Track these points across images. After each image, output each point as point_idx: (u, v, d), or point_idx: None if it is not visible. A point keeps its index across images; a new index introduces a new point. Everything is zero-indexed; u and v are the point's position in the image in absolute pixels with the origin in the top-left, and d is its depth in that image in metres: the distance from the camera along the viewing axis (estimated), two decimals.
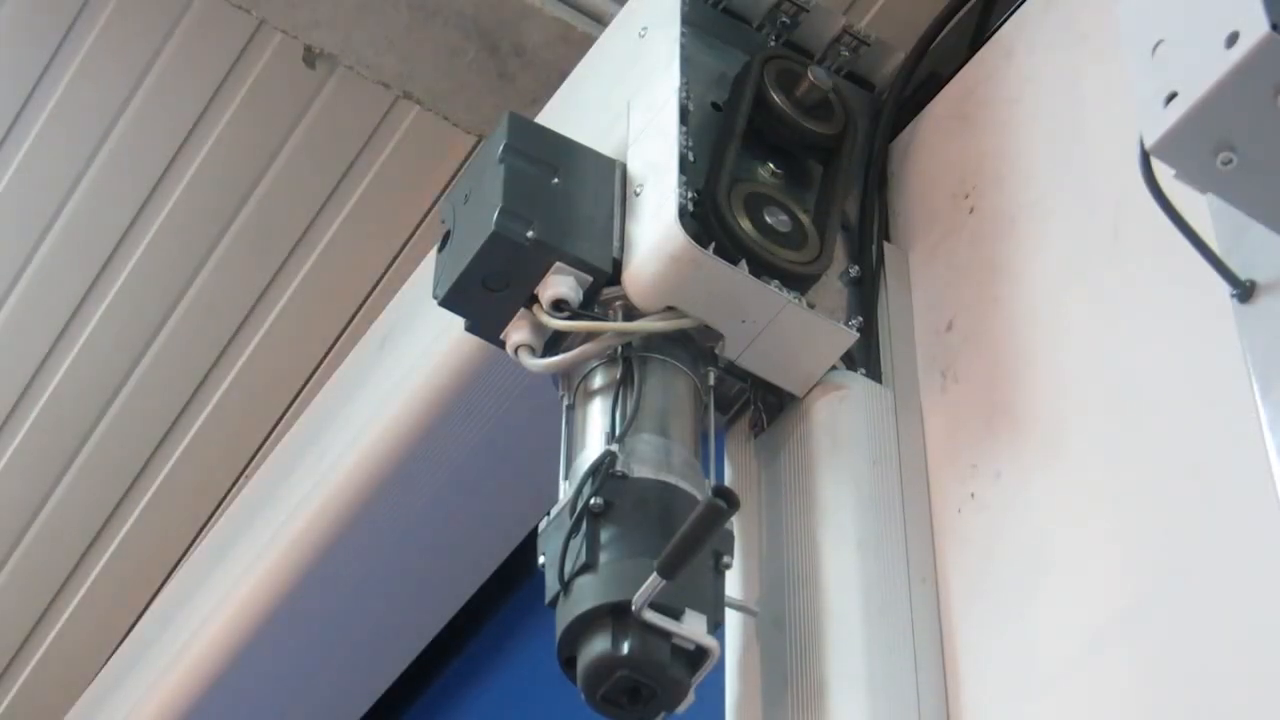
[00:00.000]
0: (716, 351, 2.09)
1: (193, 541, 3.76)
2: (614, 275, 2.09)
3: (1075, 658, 1.78)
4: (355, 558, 2.69)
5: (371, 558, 2.70)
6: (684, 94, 2.18)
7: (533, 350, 2.10)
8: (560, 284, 2.07)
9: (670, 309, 2.07)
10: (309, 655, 2.83)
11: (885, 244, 2.27)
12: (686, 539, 1.82)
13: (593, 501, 1.91)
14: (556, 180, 2.13)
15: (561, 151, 2.17)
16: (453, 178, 3.25)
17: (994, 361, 2.06)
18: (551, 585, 1.92)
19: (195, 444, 3.69)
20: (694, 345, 2.09)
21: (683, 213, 2.05)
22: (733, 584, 2.00)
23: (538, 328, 2.10)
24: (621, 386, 2.05)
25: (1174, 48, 1.56)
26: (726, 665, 2.01)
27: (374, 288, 3.44)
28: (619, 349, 2.07)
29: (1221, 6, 1.52)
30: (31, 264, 3.58)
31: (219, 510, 3.72)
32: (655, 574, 1.82)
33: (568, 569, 1.90)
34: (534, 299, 2.08)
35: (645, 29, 2.33)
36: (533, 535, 2.01)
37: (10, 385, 3.73)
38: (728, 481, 2.16)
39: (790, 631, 1.97)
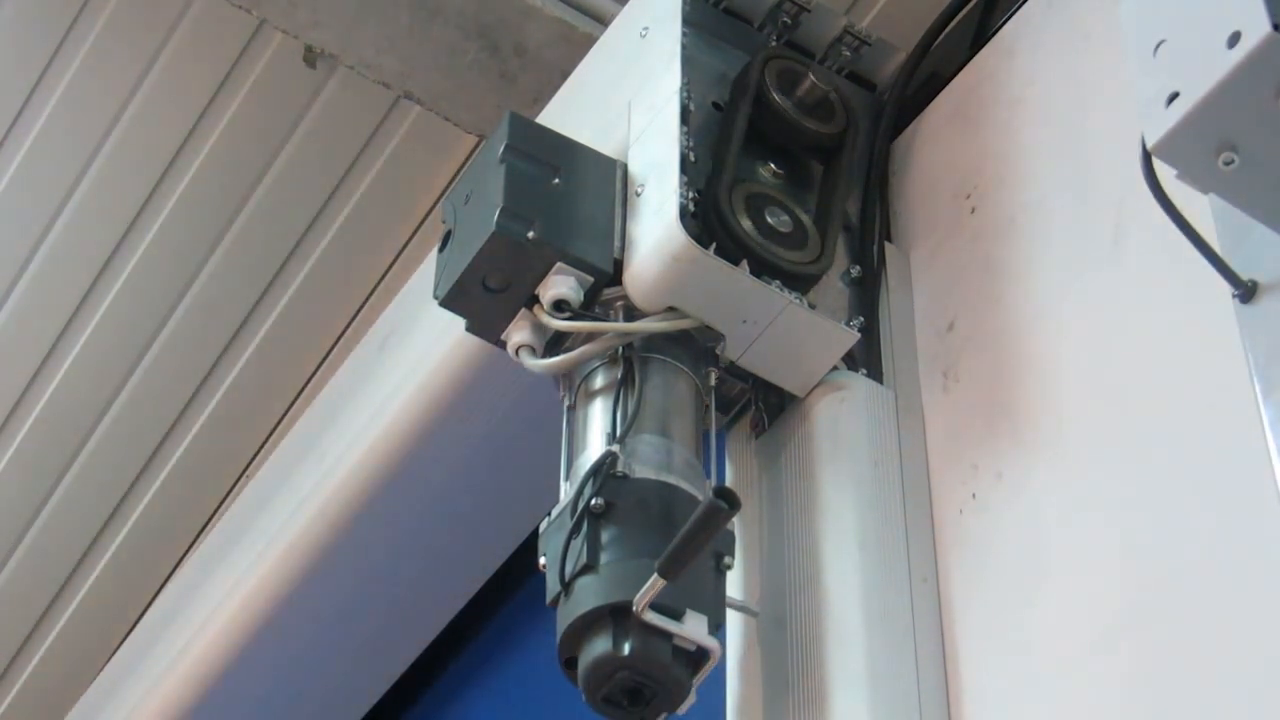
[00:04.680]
0: (717, 352, 2.09)
1: (193, 542, 3.75)
2: (615, 275, 2.09)
3: (1076, 658, 1.78)
4: (356, 559, 2.69)
5: (372, 559, 2.70)
6: (685, 94, 2.18)
7: (534, 350, 2.09)
8: (561, 284, 2.06)
9: (671, 309, 2.06)
10: (309, 657, 2.83)
11: (886, 244, 2.27)
12: (687, 540, 1.81)
13: (594, 502, 1.91)
14: (557, 180, 2.13)
15: (562, 151, 2.17)
16: (453, 178, 3.25)
17: (995, 362, 2.06)
18: (552, 586, 1.92)
19: (196, 444, 3.69)
20: (695, 345, 2.09)
21: (684, 213, 2.05)
22: (734, 584, 2.00)
23: (538, 328, 2.09)
24: (622, 387, 2.04)
25: (1176, 48, 1.56)
26: (728, 666, 2.01)
27: (374, 288, 3.44)
28: (620, 349, 2.07)
29: (1223, 7, 1.52)
30: (31, 264, 3.58)
31: (219, 511, 3.72)
32: (656, 575, 1.82)
33: (569, 569, 1.90)
34: (535, 299, 2.08)
35: (646, 29, 2.33)
36: (534, 536, 2.00)
37: (10, 385, 3.72)
38: (729, 482, 2.16)
39: (791, 632, 1.97)
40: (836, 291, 2.17)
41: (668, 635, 1.85)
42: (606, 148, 2.21)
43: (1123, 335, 1.92)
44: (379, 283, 3.43)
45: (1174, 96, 1.54)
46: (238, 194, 3.41)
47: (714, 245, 2.06)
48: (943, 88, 2.38)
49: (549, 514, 1.98)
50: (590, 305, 2.09)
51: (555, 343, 2.11)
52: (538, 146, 2.16)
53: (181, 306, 3.55)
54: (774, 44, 2.37)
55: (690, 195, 2.08)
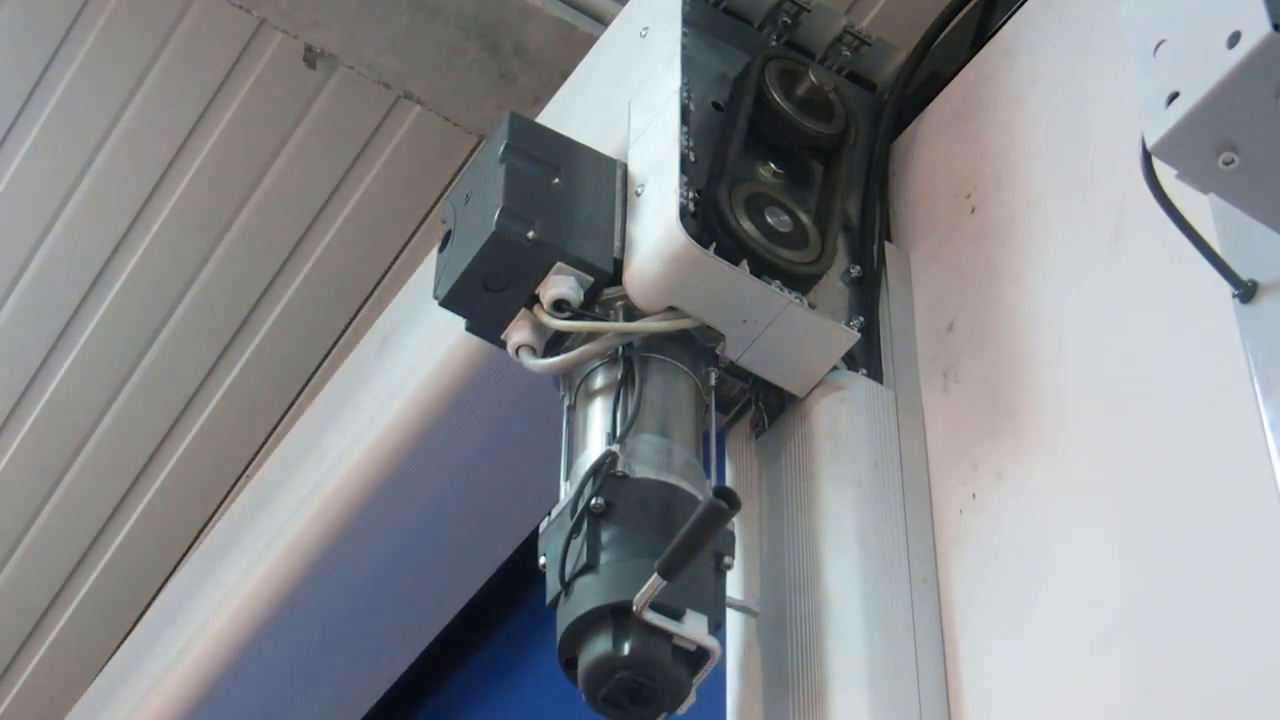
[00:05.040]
0: (718, 352, 2.09)
1: (193, 542, 3.75)
2: (615, 275, 2.09)
3: (1076, 658, 1.78)
4: (356, 559, 2.69)
5: (372, 559, 2.70)
6: (685, 94, 2.18)
7: (534, 350, 2.10)
8: (561, 284, 2.07)
9: (671, 309, 2.06)
10: (309, 657, 2.83)
11: (886, 244, 2.27)
12: (687, 539, 1.81)
13: (594, 502, 1.91)
14: (557, 180, 2.13)
15: (562, 151, 2.17)
16: (453, 178, 3.25)
17: (995, 362, 2.06)
18: (552, 586, 1.92)
19: (196, 444, 3.69)
20: (695, 345, 2.09)
21: (684, 213, 2.05)
22: (734, 584, 2.00)
23: (539, 328, 2.10)
24: (622, 387, 2.04)
25: (1176, 48, 1.56)
26: (727, 666, 2.01)
27: (375, 288, 3.44)
28: (620, 349, 2.07)
29: (1223, 6, 1.52)
30: (31, 264, 3.58)
31: (219, 511, 3.72)
32: (656, 574, 1.82)
33: (569, 569, 1.90)
34: (535, 299, 2.08)
35: (646, 29, 2.33)
36: (534, 536, 2.00)
37: (10, 385, 3.72)
38: (729, 482, 2.16)
39: (791, 632, 1.97)
40: (836, 291, 2.18)
41: (668, 635, 1.85)
42: (606, 148, 2.21)
43: (1123, 335, 1.92)
44: (379, 283, 3.43)
45: (1174, 96, 1.54)
46: (238, 194, 3.41)
47: (714, 245, 2.06)
48: (943, 88, 2.38)
49: (549, 514, 1.98)
50: (590, 305, 2.09)
51: (555, 343, 2.11)
52: (538, 146, 2.16)
53: (182, 306, 3.55)
54: (774, 44, 2.37)
55: (690, 195, 2.08)
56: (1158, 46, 1.58)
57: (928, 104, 2.38)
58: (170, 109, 3.36)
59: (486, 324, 2.13)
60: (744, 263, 2.06)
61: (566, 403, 2.10)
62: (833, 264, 2.15)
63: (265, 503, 2.87)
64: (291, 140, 3.33)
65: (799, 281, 2.09)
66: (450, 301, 2.13)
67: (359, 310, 3.47)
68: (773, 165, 2.25)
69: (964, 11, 2.44)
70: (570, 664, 1.90)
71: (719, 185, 2.11)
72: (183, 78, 3.32)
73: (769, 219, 2.13)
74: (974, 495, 1.99)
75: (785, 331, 2.08)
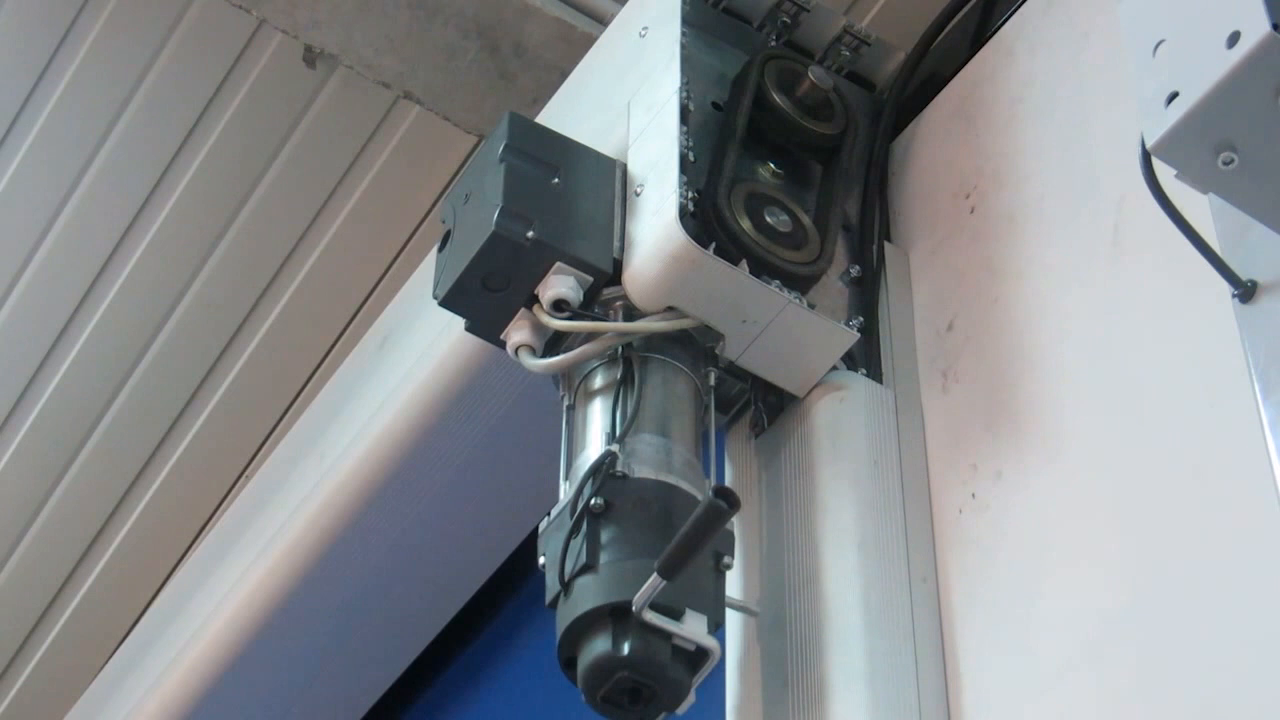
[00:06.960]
0: (717, 351, 2.09)
1: (193, 542, 3.75)
2: (614, 275, 2.09)
3: (1076, 658, 1.78)
4: (356, 558, 2.69)
5: (372, 558, 2.70)
6: (684, 94, 2.18)
7: (533, 350, 2.10)
8: (560, 284, 2.07)
9: (671, 309, 2.07)
10: (309, 656, 2.83)
11: (886, 244, 2.27)
12: (687, 539, 1.81)
13: (593, 502, 1.91)
14: (557, 180, 2.13)
15: (562, 151, 2.17)
16: (453, 178, 3.25)
17: (995, 362, 2.06)
18: (552, 586, 1.92)
19: (195, 444, 3.69)
20: (694, 345, 2.09)
21: (683, 213, 2.05)
22: (733, 584, 2.00)
23: (538, 328, 2.10)
24: (622, 387, 2.05)
25: (1175, 47, 1.56)
26: (727, 665, 2.01)
27: (374, 288, 3.44)
28: (619, 349, 2.07)
29: (1222, 6, 1.52)
30: (31, 264, 3.58)
31: (219, 511, 3.72)
32: (656, 574, 1.82)
33: (568, 569, 1.90)
34: (534, 299, 2.08)
35: (646, 29, 2.33)
36: (533, 535, 2.01)
37: (10, 385, 3.72)
38: (728, 482, 2.16)
39: (791, 632, 1.97)
40: (836, 291, 2.18)
41: (667, 635, 1.85)
42: (606, 148, 2.21)
43: (1123, 335, 1.92)
44: (379, 283, 3.43)
45: (1173, 96, 1.54)
46: (238, 194, 3.41)
47: (713, 245, 2.06)
48: (942, 88, 2.38)
49: (548, 514, 1.98)
50: (590, 305, 2.09)
51: (555, 342, 2.11)
52: (537, 146, 2.16)
53: (181, 306, 3.55)
54: (774, 44, 2.37)
55: (690, 195, 2.08)
56: (1157, 46, 1.58)
57: (928, 104, 2.39)
58: (170, 109, 3.36)
59: (486, 324, 2.13)
60: (743, 263, 2.06)
61: (566, 403, 2.10)
62: (832, 264, 2.15)
63: (265, 503, 2.87)
64: (291, 140, 3.33)
65: (798, 281, 2.09)
66: (450, 301, 2.13)
67: (359, 310, 3.47)
68: (772, 165, 2.25)
69: (964, 11, 2.44)
70: (570, 664, 1.90)
71: (718, 185, 2.11)
72: (183, 78, 3.32)
73: (768, 219, 2.13)
74: (974, 495, 1.99)
75: (784, 331, 2.08)
